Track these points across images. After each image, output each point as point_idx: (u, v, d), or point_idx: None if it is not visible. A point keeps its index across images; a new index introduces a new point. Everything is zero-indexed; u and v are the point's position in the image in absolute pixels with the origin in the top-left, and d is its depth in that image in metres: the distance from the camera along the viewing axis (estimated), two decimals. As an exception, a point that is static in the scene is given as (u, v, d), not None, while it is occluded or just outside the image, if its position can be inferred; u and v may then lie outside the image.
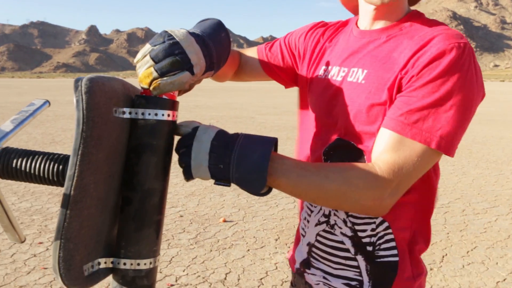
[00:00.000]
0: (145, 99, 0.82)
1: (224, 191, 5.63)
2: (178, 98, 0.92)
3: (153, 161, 0.82)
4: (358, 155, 1.00)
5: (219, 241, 4.06)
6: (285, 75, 1.28)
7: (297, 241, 1.20)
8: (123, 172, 0.83)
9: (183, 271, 3.45)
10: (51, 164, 0.77)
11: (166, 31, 0.85)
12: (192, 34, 0.86)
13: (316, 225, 1.10)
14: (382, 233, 1.02)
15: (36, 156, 0.78)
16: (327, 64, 1.13)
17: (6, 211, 0.88)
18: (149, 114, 0.82)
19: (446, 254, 3.85)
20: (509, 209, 5.16)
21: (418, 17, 1.03)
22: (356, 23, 1.12)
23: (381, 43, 1.02)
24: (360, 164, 0.90)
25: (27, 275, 3.35)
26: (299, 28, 1.29)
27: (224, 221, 4.61)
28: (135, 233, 0.82)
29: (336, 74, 1.08)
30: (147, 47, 0.85)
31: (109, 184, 0.79)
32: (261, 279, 3.34)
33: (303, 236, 1.15)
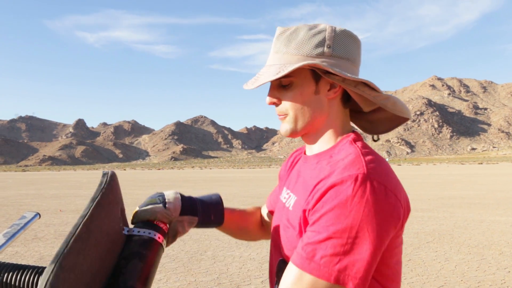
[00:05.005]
0: (143, 223, 1.03)
1: (208, 287, 5.59)
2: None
3: (139, 266, 0.93)
4: None
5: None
6: None
7: None
8: (108, 277, 0.90)
9: None
10: (26, 277, 0.82)
11: (162, 192, 1.18)
12: (179, 192, 1.18)
13: None
14: None
15: (14, 269, 0.82)
16: (287, 187, 1.21)
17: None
18: (144, 232, 0.99)
19: None
20: (491, 296, 5.16)
21: (348, 141, 1.04)
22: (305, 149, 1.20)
23: (311, 170, 1.08)
24: None
25: None
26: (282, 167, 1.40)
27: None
28: None
29: (283, 196, 1.19)
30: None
31: (98, 262, 0.85)
32: None
33: None
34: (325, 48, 1.03)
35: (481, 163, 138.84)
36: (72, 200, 18.03)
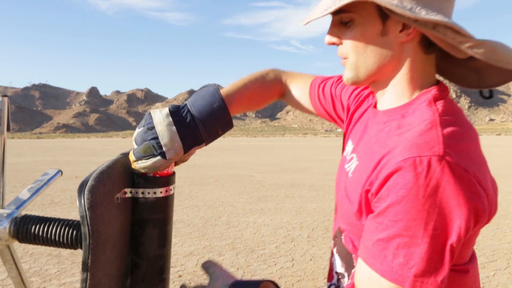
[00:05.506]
0: (144, 179, 0.91)
1: (222, 251, 5.64)
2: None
3: (155, 232, 0.92)
4: (348, 256, 0.95)
5: (218, 301, 4.04)
6: (331, 117, 1.20)
7: None
8: (130, 239, 0.92)
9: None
10: (66, 230, 0.86)
11: (150, 113, 0.91)
12: (174, 114, 0.91)
13: None
14: None
15: (53, 222, 0.87)
16: (352, 139, 1.04)
17: (20, 272, 0.97)
18: (148, 193, 0.91)
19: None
20: (506, 264, 5.16)
21: (428, 99, 0.84)
22: None
23: (378, 130, 0.90)
24: None
25: None
26: None
27: (223, 280, 4.58)
28: None
29: (348, 154, 1.00)
30: (136, 130, 0.93)
31: (118, 253, 0.87)
32: None
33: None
34: None
35: (499, 134, 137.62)
36: (87, 167, 18.27)
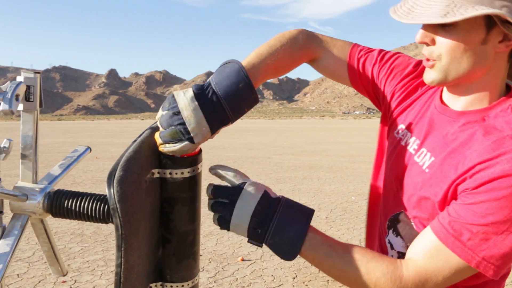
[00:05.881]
0: (171, 160, 0.91)
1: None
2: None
3: (185, 210, 0.93)
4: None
5: (237, 279, 4.12)
6: (369, 95, 1.21)
7: None
8: (159, 216, 0.94)
9: (203, 309, 3.49)
10: (97, 204, 0.88)
11: (173, 96, 0.89)
12: (198, 96, 0.88)
13: None
14: None
15: (85, 197, 0.89)
16: (406, 125, 1.08)
17: (53, 246, 1.00)
18: (176, 173, 0.91)
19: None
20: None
21: (509, 107, 0.89)
22: (442, 91, 1.03)
23: (456, 130, 0.93)
24: (389, 259, 0.89)
25: (51, 313, 3.42)
26: (398, 61, 1.14)
27: (242, 260, 4.66)
28: (176, 264, 0.94)
29: (410, 144, 1.03)
30: (159, 111, 0.91)
31: (149, 233, 0.89)
32: (279, 317, 3.35)
33: None
34: None
35: None
36: (107, 148, 18.50)
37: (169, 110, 0.88)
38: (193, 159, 0.94)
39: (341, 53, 1.17)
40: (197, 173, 0.95)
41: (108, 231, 5.59)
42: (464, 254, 0.82)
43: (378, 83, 1.15)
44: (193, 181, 0.95)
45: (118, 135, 30.66)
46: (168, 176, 0.92)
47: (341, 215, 6.52)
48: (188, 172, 0.92)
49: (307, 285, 3.95)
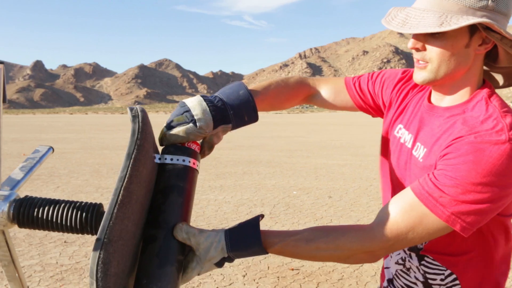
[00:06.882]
0: (174, 147, 0.93)
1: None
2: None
3: (179, 201, 0.88)
4: None
5: (185, 279, 3.99)
6: (375, 111, 1.38)
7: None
8: (147, 213, 0.86)
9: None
10: (75, 212, 0.78)
11: (183, 101, 1.04)
12: (205, 97, 1.04)
13: (395, 263, 1.24)
14: (451, 284, 1.12)
15: (61, 205, 0.79)
16: (403, 125, 1.21)
17: (14, 260, 0.88)
18: (177, 160, 0.90)
19: None
20: None
21: (483, 97, 1.03)
22: (430, 93, 1.17)
23: (442, 122, 1.07)
24: (357, 228, 0.99)
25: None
26: (386, 74, 1.34)
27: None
28: (158, 269, 0.83)
29: (408, 141, 1.16)
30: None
31: (140, 212, 0.82)
32: (231, 317, 3.28)
33: (388, 268, 1.29)
34: (489, 1, 0.98)
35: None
36: (35, 144, 17.52)
37: (178, 107, 1.04)
38: (194, 152, 0.96)
39: (337, 85, 1.40)
40: (196, 168, 0.95)
41: (43, 233, 5.26)
42: (435, 209, 0.93)
43: (376, 97, 1.34)
44: (193, 174, 0.93)
45: (46, 130, 29.25)
46: (169, 161, 0.92)
47: (284, 210, 6.55)
48: (189, 162, 0.93)
49: (257, 283, 3.90)
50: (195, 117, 0.99)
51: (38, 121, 52.34)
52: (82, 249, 4.72)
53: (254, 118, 1.10)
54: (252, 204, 6.88)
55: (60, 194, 7.46)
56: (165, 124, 1.00)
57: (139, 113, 0.84)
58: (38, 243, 4.94)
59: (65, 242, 4.94)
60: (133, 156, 0.77)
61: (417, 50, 1.05)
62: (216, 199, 7.28)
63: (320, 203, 6.97)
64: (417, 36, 1.04)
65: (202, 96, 1.05)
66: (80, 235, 0.87)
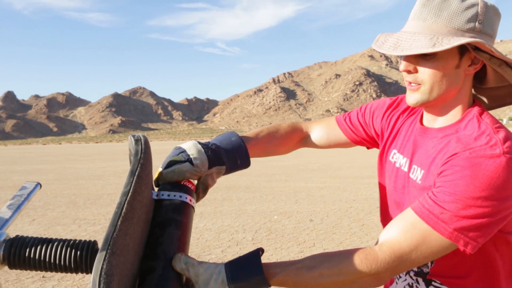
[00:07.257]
0: (170, 185, 0.95)
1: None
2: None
3: (177, 234, 0.88)
4: None
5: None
6: (369, 143, 1.42)
7: (390, 281, 1.32)
8: (143, 246, 0.85)
9: None
10: (70, 251, 0.77)
11: (178, 145, 1.09)
12: (200, 142, 1.09)
13: (403, 287, 1.23)
14: None
15: (54, 244, 0.77)
16: (398, 149, 1.23)
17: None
18: (174, 195, 0.92)
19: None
20: None
21: (474, 116, 1.06)
22: (421, 116, 1.19)
23: (436, 143, 1.08)
24: (359, 251, 0.96)
25: None
26: (374, 105, 1.39)
27: None
28: None
29: (403, 165, 1.18)
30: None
31: (139, 239, 0.81)
32: None
33: (396, 283, 1.27)
34: (477, 24, 1.02)
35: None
36: (8, 176, 17.15)
37: (173, 150, 1.09)
38: (191, 190, 0.97)
39: (329, 124, 1.47)
40: (193, 205, 0.96)
41: (19, 268, 5.09)
42: (437, 226, 0.93)
43: (368, 127, 1.38)
44: (189, 210, 0.94)
45: (19, 162, 28.60)
46: (166, 197, 0.93)
47: (266, 235, 6.51)
48: (186, 198, 0.94)
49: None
50: (191, 156, 1.03)
51: (10, 153, 51.19)
52: (61, 283, 4.58)
53: (247, 163, 1.16)
54: (234, 231, 6.82)
55: (36, 227, 7.26)
56: (160, 166, 1.02)
57: (142, 138, 0.88)
58: (14, 279, 4.77)
59: (43, 277, 4.79)
60: (136, 173, 0.78)
61: (409, 72, 1.06)
62: (197, 227, 7.19)
63: (301, 227, 6.96)
64: (408, 59, 1.05)
65: (197, 141, 1.10)
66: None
